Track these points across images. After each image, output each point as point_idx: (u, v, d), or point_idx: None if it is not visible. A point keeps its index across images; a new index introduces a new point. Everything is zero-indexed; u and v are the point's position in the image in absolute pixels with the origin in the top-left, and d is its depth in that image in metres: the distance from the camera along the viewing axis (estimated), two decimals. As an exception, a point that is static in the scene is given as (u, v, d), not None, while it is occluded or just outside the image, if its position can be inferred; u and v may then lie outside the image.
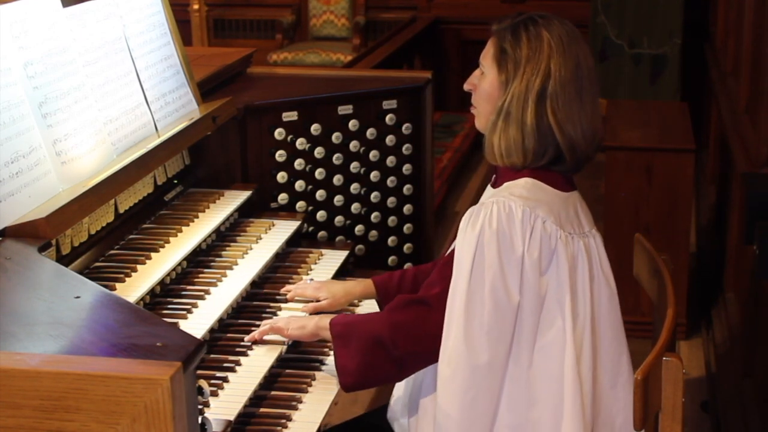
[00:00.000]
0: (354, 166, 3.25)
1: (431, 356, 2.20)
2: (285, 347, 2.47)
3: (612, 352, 2.25)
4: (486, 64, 2.26)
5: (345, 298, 2.65)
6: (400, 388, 2.43)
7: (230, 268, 2.64)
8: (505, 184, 2.23)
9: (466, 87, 2.31)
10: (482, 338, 2.12)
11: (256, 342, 2.45)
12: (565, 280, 2.16)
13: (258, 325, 2.50)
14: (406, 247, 3.37)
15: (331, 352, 2.49)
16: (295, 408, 2.30)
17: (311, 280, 2.75)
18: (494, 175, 2.32)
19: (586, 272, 2.20)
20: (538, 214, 2.15)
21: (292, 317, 2.49)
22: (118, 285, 2.31)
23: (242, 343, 2.44)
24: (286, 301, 2.66)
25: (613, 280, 2.27)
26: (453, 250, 2.23)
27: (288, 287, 2.70)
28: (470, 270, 2.13)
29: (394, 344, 2.22)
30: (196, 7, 6.89)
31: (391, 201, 3.32)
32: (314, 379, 2.41)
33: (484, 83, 2.26)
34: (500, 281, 2.12)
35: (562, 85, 2.17)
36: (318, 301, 2.63)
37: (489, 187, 2.33)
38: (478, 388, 2.13)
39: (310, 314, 2.55)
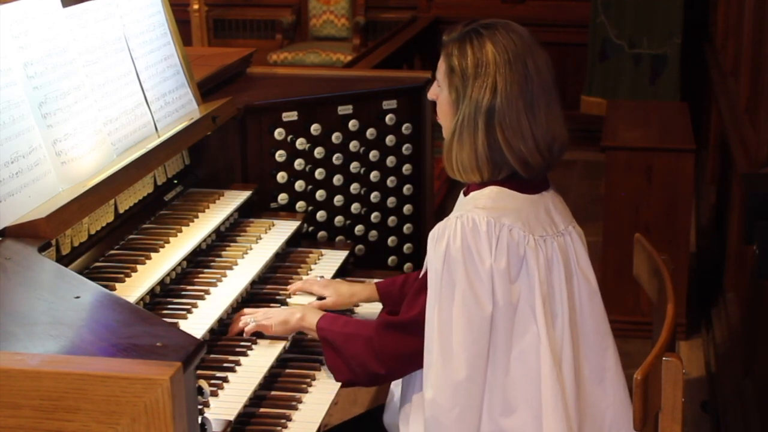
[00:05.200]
0: (354, 166, 3.25)
1: (416, 367, 2.25)
2: (286, 344, 2.47)
3: (596, 348, 2.25)
4: (440, 78, 2.26)
5: (350, 300, 2.67)
6: (394, 394, 2.44)
7: (230, 268, 2.64)
8: (472, 193, 2.24)
9: (429, 96, 2.32)
10: (460, 355, 2.12)
11: (241, 335, 2.47)
12: (536, 285, 2.15)
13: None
14: (406, 247, 3.37)
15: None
16: (295, 408, 2.30)
17: (321, 277, 2.76)
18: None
19: (563, 272, 2.20)
20: (503, 223, 2.15)
21: (268, 311, 2.50)
22: (118, 285, 2.31)
23: (242, 343, 2.44)
24: (285, 301, 2.66)
25: (593, 275, 2.27)
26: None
27: (295, 285, 2.71)
28: (440, 289, 2.14)
29: (378, 364, 2.28)
30: (196, 7, 6.89)
31: (391, 201, 3.32)
32: (314, 379, 2.42)
33: (441, 98, 2.26)
34: (470, 295, 2.12)
35: (509, 100, 2.14)
36: (323, 298, 2.65)
37: (461, 195, 2.33)
38: (463, 404, 2.14)
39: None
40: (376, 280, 2.75)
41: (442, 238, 2.15)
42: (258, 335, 2.48)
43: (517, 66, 2.15)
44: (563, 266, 2.20)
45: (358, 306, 2.75)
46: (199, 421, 1.78)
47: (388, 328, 2.27)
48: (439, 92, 2.27)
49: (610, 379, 2.26)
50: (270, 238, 2.89)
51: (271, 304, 2.64)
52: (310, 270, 2.87)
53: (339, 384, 2.40)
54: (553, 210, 2.25)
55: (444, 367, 2.13)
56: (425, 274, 2.23)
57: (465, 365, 2.12)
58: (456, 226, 2.15)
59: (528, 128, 2.16)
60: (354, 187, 3.26)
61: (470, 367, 2.13)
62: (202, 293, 2.48)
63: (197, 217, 2.78)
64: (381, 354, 2.27)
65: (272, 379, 2.41)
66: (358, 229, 3.28)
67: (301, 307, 2.51)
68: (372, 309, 2.73)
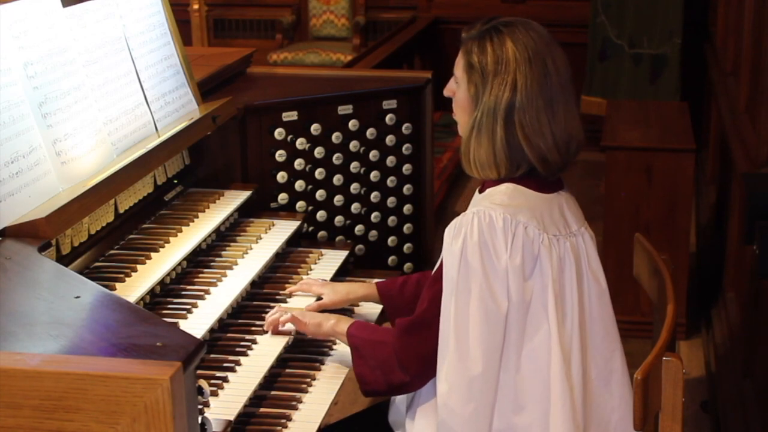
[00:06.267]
0: (354, 166, 3.25)
1: (435, 371, 2.23)
2: (286, 344, 2.47)
3: (604, 350, 2.25)
4: (458, 75, 2.26)
5: (346, 297, 2.67)
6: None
7: (230, 268, 2.64)
8: (488, 190, 2.24)
9: (446, 93, 2.32)
10: (476, 350, 2.13)
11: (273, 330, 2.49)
12: (549, 284, 2.16)
13: (258, 326, 2.52)
14: (406, 247, 3.38)
15: (332, 352, 2.53)
16: (295, 408, 2.30)
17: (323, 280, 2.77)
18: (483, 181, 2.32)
19: (574, 272, 2.20)
20: (519, 220, 2.15)
21: (305, 312, 2.51)
22: (118, 285, 2.31)
23: (242, 343, 2.44)
24: (286, 300, 2.67)
25: (604, 277, 2.27)
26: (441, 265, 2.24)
27: (293, 287, 2.71)
28: (456, 284, 2.14)
29: (404, 368, 2.26)
30: (196, 7, 6.89)
31: (391, 201, 3.32)
32: (314, 379, 2.42)
33: (459, 93, 2.27)
34: (487, 291, 2.12)
35: (529, 98, 2.16)
36: (320, 298, 2.65)
37: (477, 192, 2.33)
38: (477, 400, 2.14)
39: (316, 312, 2.56)
40: (376, 280, 2.75)
41: (458, 234, 2.16)
42: (258, 334, 2.48)
43: (537, 64, 2.17)
44: (575, 267, 2.20)
45: (357, 306, 2.75)
46: (199, 421, 1.78)
47: (405, 331, 2.27)
48: (456, 88, 2.28)
49: (616, 382, 2.27)
50: (270, 238, 2.89)
51: (271, 304, 2.64)
52: (310, 270, 2.87)
53: (339, 384, 2.40)
54: (567, 210, 2.26)
55: (459, 362, 2.14)
56: (438, 268, 2.23)
57: (481, 360, 2.13)
58: (473, 221, 2.15)
59: (547, 125, 2.17)
60: (354, 187, 3.26)
61: (486, 363, 2.13)
62: (202, 293, 2.48)
63: (197, 217, 2.78)
64: (403, 360, 2.26)
65: (272, 379, 2.41)
66: (358, 229, 3.28)
67: (336, 314, 2.51)
68: (372, 309, 2.73)
